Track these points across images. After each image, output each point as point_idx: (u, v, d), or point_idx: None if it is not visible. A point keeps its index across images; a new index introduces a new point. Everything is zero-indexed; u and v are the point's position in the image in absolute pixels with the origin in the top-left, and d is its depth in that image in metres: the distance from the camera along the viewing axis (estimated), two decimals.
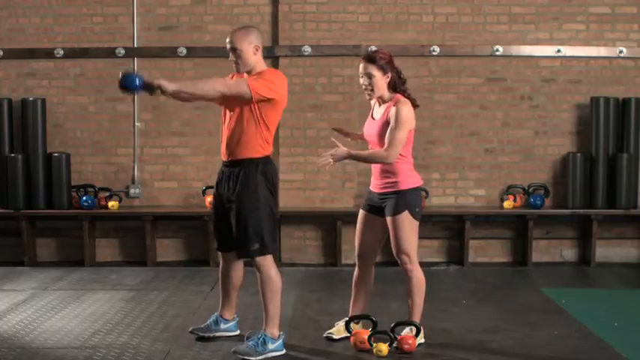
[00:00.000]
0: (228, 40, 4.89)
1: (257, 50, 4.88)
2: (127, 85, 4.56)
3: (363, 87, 5.02)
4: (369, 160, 5.01)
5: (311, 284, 7.11)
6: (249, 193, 4.86)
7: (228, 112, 4.98)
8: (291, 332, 5.25)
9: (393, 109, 4.91)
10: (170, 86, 4.62)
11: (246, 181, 4.86)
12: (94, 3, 8.12)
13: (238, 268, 5.22)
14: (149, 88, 4.58)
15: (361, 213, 5.19)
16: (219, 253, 5.25)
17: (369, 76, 4.95)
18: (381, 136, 4.94)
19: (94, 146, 8.22)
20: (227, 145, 4.94)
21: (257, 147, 4.87)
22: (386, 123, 4.93)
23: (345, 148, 4.92)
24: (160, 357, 4.87)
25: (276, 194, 5.00)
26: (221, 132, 5.05)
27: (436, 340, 5.17)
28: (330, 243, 8.08)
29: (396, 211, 4.95)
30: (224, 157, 5.00)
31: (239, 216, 4.87)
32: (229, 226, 4.96)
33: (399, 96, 5.00)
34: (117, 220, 8.15)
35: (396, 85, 5.02)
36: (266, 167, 4.92)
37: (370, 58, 4.98)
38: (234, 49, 4.85)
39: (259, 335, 4.85)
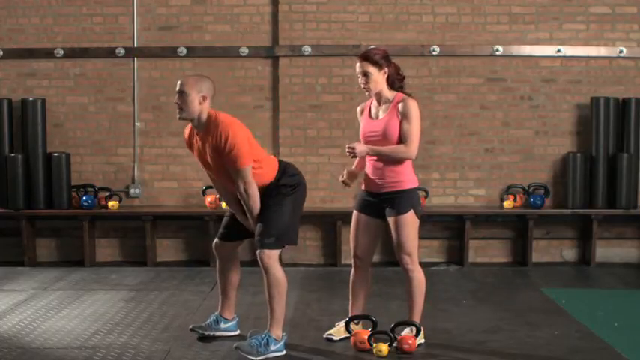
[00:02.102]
0: (178, 82, 4.89)
1: (204, 100, 4.86)
2: None
3: (362, 85, 5.02)
4: (390, 155, 4.93)
5: (311, 284, 7.11)
6: (271, 199, 4.92)
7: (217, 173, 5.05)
8: (291, 332, 5.24)
9: (402, 106, 4.90)
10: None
11: (268, 197, 4.92)
12: (94, 3, 8.12)
13: (235, 267, 5.24)
14: None
15: (355, 215, 5.14)
16: (216, 250, 5.23)
17: (365, 74, 4.96)
18: (389, 134, 4.92)
19: (94, 146, 8.22)
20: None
21: (263, 180, 4.92)
22: (394, 121, 4.91)
23: (365, 146, 4.96)
24: (160, 357, 4.87)
25: (299, 189, 5.05)
26: (211, 179, 5.25)
27: (436, 340, 5.17)
28: (330, 243, 8.08)
29: (402, 211, 4.93)
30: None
31: (261, 213, 4.90)
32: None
33: (401, 94, 4.99)
34: (117, 220, 8.15)
35: (394, 82, 5.01)
36: (281, 179, 4.98)
37: (364, 56, 4.98)
38: (181, 92, 4.85)
39: (263, 335, 4.84)
